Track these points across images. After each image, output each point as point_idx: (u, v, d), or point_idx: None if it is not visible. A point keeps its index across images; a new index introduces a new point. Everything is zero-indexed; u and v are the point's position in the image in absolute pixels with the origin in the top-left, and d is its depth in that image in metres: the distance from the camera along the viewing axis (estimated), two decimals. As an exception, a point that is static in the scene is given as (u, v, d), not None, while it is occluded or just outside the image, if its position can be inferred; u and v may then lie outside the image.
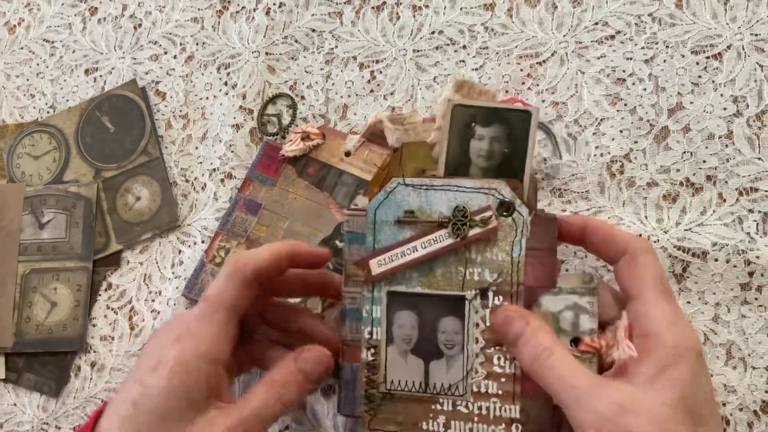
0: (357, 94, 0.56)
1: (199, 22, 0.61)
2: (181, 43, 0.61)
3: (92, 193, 0.58)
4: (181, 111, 0.59)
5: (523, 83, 0.53)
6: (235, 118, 0.58)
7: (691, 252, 0.47)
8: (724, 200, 0.48)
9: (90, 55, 0.63)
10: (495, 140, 0.42)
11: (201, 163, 0.57)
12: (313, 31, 0.58)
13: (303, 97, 0.57)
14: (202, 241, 0.55)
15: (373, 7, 0.58)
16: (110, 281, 0.57)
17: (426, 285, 0.42)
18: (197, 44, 0.61)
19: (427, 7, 0.56)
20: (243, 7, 0.60)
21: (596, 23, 0.53)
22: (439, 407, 0.42)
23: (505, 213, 0.40)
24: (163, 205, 0.57)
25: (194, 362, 0.37)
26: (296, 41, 0.58)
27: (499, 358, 0.41)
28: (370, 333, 0.42)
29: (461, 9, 0.56)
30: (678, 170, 0.49)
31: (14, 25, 0.66)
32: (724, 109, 0.49)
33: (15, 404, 0.56)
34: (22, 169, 0.60)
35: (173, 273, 0.55)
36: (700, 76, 0.50)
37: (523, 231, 0.41)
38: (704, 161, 0.49)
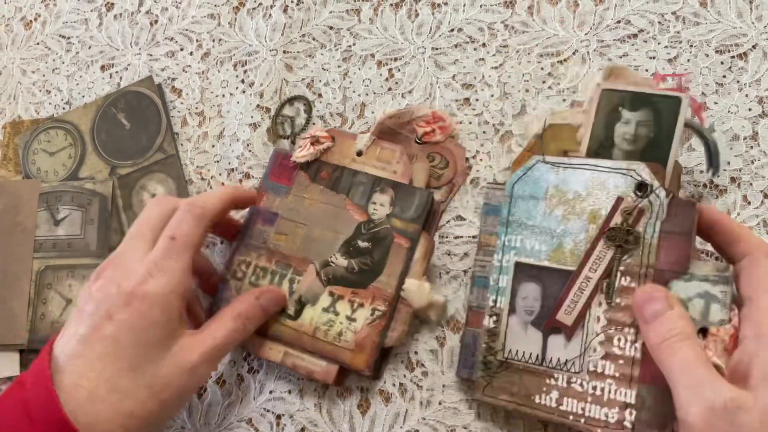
0: (375, 93, 0.55)
1: (216, 18, 0.61)
2: (197, 40, 0.61)
3: (108, 190, 0.58)
4: (197, 108, 0.59)
5: (543, 82, 0.52)
6: (252, 117, 0.57)
7: (714, 256, 0.46)
8: (749, 203, 0.47)
9: (106, 51, 0.63)
10: (641, 124, 0.43)
11: (218, 161, 0.57)
12: (331, 28, 0.58)
13: (320, 95, 0.56)
14: (222, 242, 0.55)
15: (391, 5, 0.57)
16: (125, 279, 0.56)
17: (554, 260, 0.43)
18: (213, 41, 0.60)
19: (446, 4, 0.56)
20: (260, 4, 0.60)
21: (618, 21, 0.52)
22: (553, 382, 0.42)
23: (642, 194, 0.41)
24: (178, 202, 0.56)
25: (169, 295, 0.41)
26: (314, 39, 0.58)
27: (619, 339, 0.41)
28: (494, 301, 0.44)
29: (481, 6, 0.55)
30: (701, 172, 0.48)
31: (30, 21, 0.66)
32: (749, 109, 0.48)
33: (29, 401, 0.56)
34: (37, 165, 0.60)
35: (189, 271, 0.55)
36: (724, 76, 0.49)
37: (659, 213, 0.41)
38: (728, 163, 0.48)
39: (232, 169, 0.57)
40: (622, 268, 0.42)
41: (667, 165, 0.42)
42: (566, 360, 0.42)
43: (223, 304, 0.49)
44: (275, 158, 0.52)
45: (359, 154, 0.51)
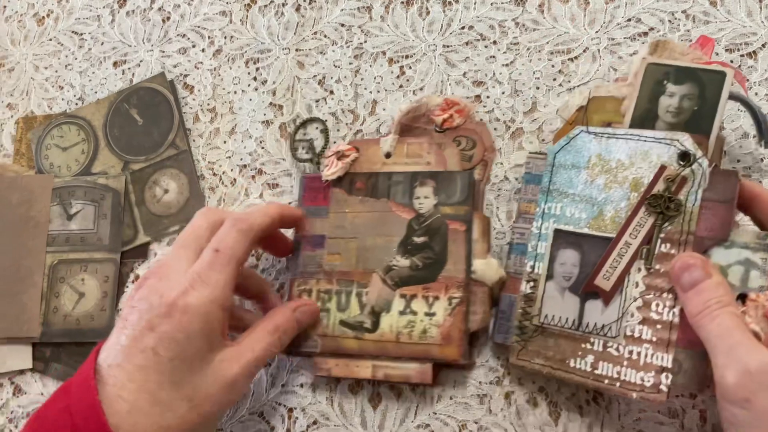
0: (386, 90, 0.56)
1: (228, 15, 0.61)
2: (209, 37, 0.61)
3: (120, 185, 0.58)
4: (208, 105, 0.59)
5: (554, 79, 0.53)
6: (265, 114, 0.58)
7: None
8: (759, 200, 0.47)
9: (118, 47, 0.63)
10: (685, 98, 0.44)
11: (230, 157, 0.57)
12: (342, 25, 0.58)
13: (332, 92, 0.57)
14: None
15: (402, 2, 0.57)
16: (138, 273, 0.57)
17: (594, 227, 0.44)
18: (225, 38, 0.61)
19: (457, 2, 0.56)
20: (271, 1, 0.60)
21: (629, 20, 0.52)
22: (589, 346, 0.43)
23: (685, 163, 0.42)
24: (190, 198, 0.57)
25: (210, 307, 0.40)
26: (325, 36, 0.58)
27: (657, 305, 0.42)
28: (532, 267, 0.45)
29: (492, 4, 0.55)
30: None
31: (43, 17, 0.66)
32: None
33: (42, 394, 0.56)
34: (50, 161, 0.61)
35: (201, 266, 0.55)
36: (734, 75, 0.50)
37: (701, 182, 0.42)
38: (738, 160, 0.48)
39: (244, 166, 0.57)
40: (662, 235, 0.42)
41: (710, 137, 0.43)
42: (603, 325, 0.43)
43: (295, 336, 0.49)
44: (304, 183, 0.52)
45: (388, 156, 0.51)
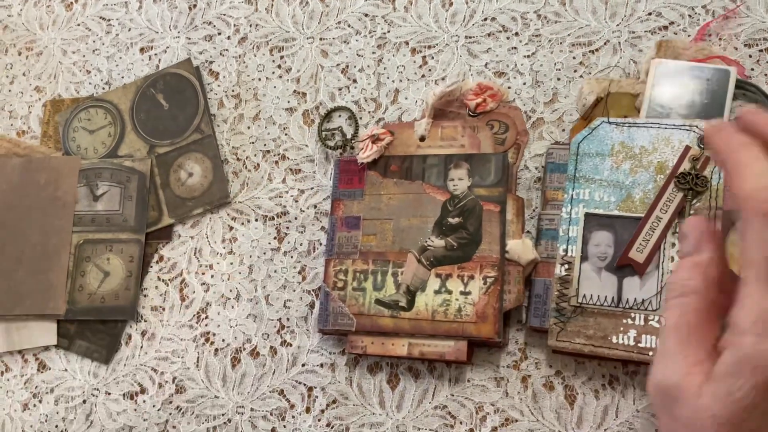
0: (408, 79, 0.57)
1: (253, 3, 0.62)
2: (234, 25, 0.62)
3: (146, 168, 0.59)
4: (233, 91, 0.61)
5: (575, 71, 0.53)
6: (289, 102, 0.59)
7: None
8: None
9: (145, 33, 0.64)
10: (696, 93, 0.48)
11: (253, 143, 0.59)
12: (366, 15, 0.59)
13: (355, 81, 0.58)
14: (256, 219, 0.57)
15: (426, -7, 0.58)
16: (162, 254, 0.58)
17: (624, 209, 0.47)
18: (250, 26, 0.62)
19: (480, -6, 0.57)
20: (296, -9, 0.61)
21: (650, 14, 0.53)
22: (630, 322, 0.45)
23: (705, 146, 0.45)
24: (214, 181, 0.58)
25: None
26: (349, 25, 0.59)
27: None
28: (565, 250, 0.47)
29: (514, -3, 0.56)
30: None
31: (71, 2, 0.68)
32: (777, 101, 0.49)
33: (66, 369, 0.58)
34: (77, 143, 0.62)
35: (224, 248, 0.57)
36: (752, 69, 0.51)
37: None
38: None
39: (268, 151, 0.58)
40: (692, 211, 0.45)
41: None
42: (643, 300, 0.45)
43: (329, 313, 0.50)
44: (339, 166, 0.54)
45: (422, 139, 0.53)
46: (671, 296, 0.33)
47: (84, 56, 0.66)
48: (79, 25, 0.67)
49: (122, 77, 0.64)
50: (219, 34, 0.63)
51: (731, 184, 0.31)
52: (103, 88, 0.64)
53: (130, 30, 0.65)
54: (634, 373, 0.47)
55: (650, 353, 0.44)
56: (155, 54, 0.64)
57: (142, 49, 0.64)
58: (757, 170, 0.30)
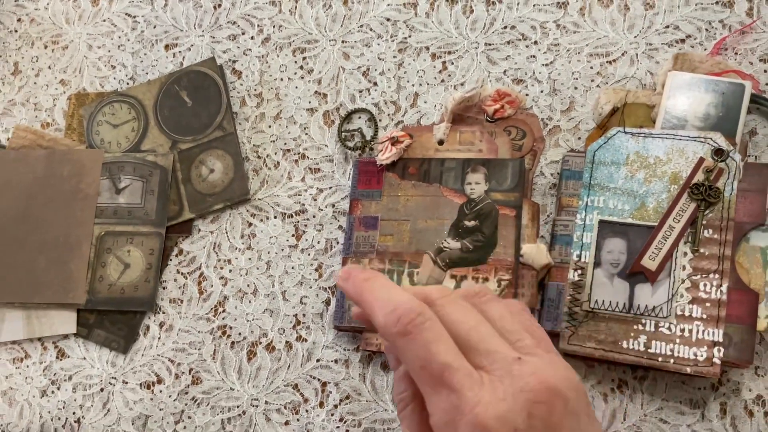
0: (428, 84, 0.58)
1: (277, 5, 0.64)
2: (258, 25, 0.63)
3: (168, 163, 0.61)
4: (255, 90, 0.62)
5: (592, 80, 0.55)
6: (310, 102, 0.60)
7: None
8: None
9: (170, 31, 0.66)
10: (711, 105, 0.49)
11: (274, 141, 0.60)
12: (388, 20, 0.60)
13: (375, 84, 0.59)
14: (275, 217, 0.58)
15: (447, 0, 0.60)
16: (181, 247, 0.59)
17: (637, 217, 0.48)
18: (274, 27, 0.63)
19: (500, 1, 0.58)
20: (319, -6, 0.63)
21: (667, 26, 0.54)
22: (641, 327, 0.46)
23: (719, 158, 0.47)
24: (235, 178, 0.59)
25: None
26: (371, 29, 0.60)
27: (705, 285, 0.46)
28: (579, 256, 0.48)
29: (534, 5, 0.57)
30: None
31: (98, -1, 0.69)
32: (791, 116, 0.50)
33: (84, 358, 0.59)
34: (101, 137, 0.63)
35: (243, 244, 0.58)
36: (767, 84, 0.52)
37: (736, 174, 0.46)
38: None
39: (288, 150, 0.59)
40: (704, 221, 0.46)
41: (736, 137, 0.48)
42: (654, 306, 0.46)
43: (345, 310, 0.52)
44: (358, 167, 0.55)
45: (440, 143, 0.54)
46: (399, 412, 0.34)
47: (109, 51, 0.67)
48: (105, 20, 0.68)
49: (146, 73, 0.65)
50: (243, 33, 0.64)
51: (373, 322, 0.33)
52: (128, 84, 0.65)
53: (155, 27, 0.66)
54: (643, 378, 0.48)
55: (660, 359, 0.45)
56: (179, 51, 0.65)
57: (166, 47, 0.65)
58: (382, 300, 0.32)
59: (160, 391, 0.56)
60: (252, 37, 0.63)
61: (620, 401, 0.48)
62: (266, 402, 0.54)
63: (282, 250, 0.57)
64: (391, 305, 0.31)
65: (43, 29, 0.69)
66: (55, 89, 0.67)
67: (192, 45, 0.65)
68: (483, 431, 0.27)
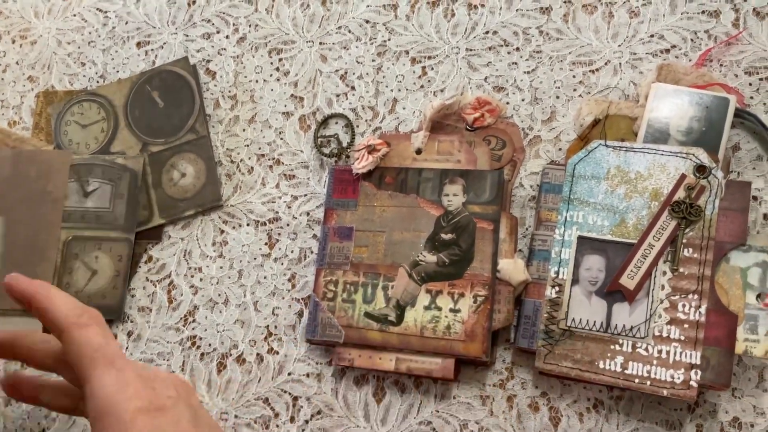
0: (407, 89, 0.56)
1: (253, 3, 0.62)
2: (233, 24, 0.62)
3: (138, 166, 0.59)
4: (230, 92, 0.60)
5: (574, 90, 0.53)
6: (285, 105, 0.58)
7: None
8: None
9: (143, 28, 0.64)
10: (694, 119, 0.48)
11: (248, 146, 0.58)
12: (367, 22, 0.59)
13: (353, 88, 0.57)
14: (247, 224, 0.56)
15: (428, 2, 0.58)
16: (151, 254, 0.58)
17: (617, 234, 0.47)
18: (250, 26, 0.61)
19: (483, 6, 0.57)
20: (297, -8, 0.61)
21: (652, 36, 0.53)
22: (618, 348, 0.45)
23: (701, 175, 0.46)
24: (207, 183, 0.58)
25: None
26: (349, 31, 0.59)
27: (683, 305, 0.45)
28: (557, 273, 0.47)
29: (517, 11, 0.56)
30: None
31: (68, -7, 0.67)
32: (775, 132, 0.49)
33: (50, 367, 0.57)
34: (69, 137, 0.61)
35: (214, 251, 0.56)
36: (752, 97, 0.51)
37: (717, 192, 0.45)
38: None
39: (262, 155, 0.58)
40: (684, 240, 0.45)
41: (718, 152, 0.47)
42: (631, 326, 0.45)
43: (318, 324, 0.50)
44: (333, 175, 0.53)
45: (418, 152, 0.52)
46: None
47: (79, 47, 0.65)
48: (75, 15, 0.66)
49: (117, 71, 0.63)
50: (218, 32, 0.62)
51: (46, 316, 0.40)
52: (98, 82, 0.63)
53: (127, 23, 0.64)
54: (619, 398, 0.47)
55: (636, 380, 0.44)
56: (152, 50, 0.63)
57: (138, 44, 0.63)
58: (62, 299, 0.40)
59: (128, 403, 0.55)
60: (227, 36, 0.61)
61: (596, 421, 0.47)
62: (236, 416, 0.52)
63: (254, 258, 0.56)
64: (72, 303, 0.40)
65: (11, 23, 0.67)
66: (23, 86, 0.65)
67: (165, 43, 0.63)
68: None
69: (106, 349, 0.37)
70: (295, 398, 0.52)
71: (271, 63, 0.60)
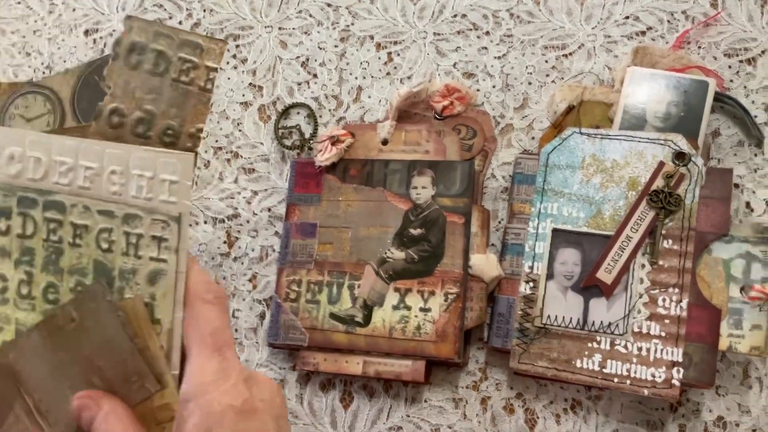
0: (372, 76, 0.53)
1: (209, -13, 0.58)
2: (187, 9, 0.58)
3: (87, 162, 0.55)
4: (185, 81, 0.56)
5: (547, 75, 0.51)
6: (243, 95, 0.55)
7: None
8: (752, 210, 0.46)
9: (91, 15, 0.60)
10: (672, 104, 0.45)
11: (204, 138, 0.55)
12: (329, 5, 0.55)
13: (315, 75, 0.54)
14: (205, 222, 0.53)
15: (393, -15, 0.55)
16: (102, 255, 0.54)
17: (593, 226, 0.44)
18: (205, 11, 0.58)
19: (450, -12, 0.54)
20: (255, -25, 0.57)
21: (627, 17, 0.51)
22: (595, 345, 0.43)
23: (680, 162, 0.43)
24: (161, 179, 0.54)
25: None
26: (310, 15, 0.56)
27: (663, 300, 0.42)
28: (531, 267, 0.44)
29: (486, -7, 0.53)
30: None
31: (11, -22, 0.62)
32: (755, 116, 0.47)
33: None
34: (13, 132, 0.57)
35: (170, 251, 0.53)
36: (732, 81, 0.48)
37: (698, 180, 0.43)
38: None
39: (220, 148, 0.54)
40: (663, 231, 0.43)
41: (698, 138, 0.44)
42: (609, 323, 0.43)
43: (280, 326, 0.47)
44: (295, 168, 0.50)
45: (384, 142, 0.49)
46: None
47: (24, 37, 0.61)
48: (19, 2, 0.62)
49: (64, 61, 0.59)
50: (170, 18, 0.58)
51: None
52: (44, 72, 0.59)
53: (74, 10, 0.60)
54: (597, 398, 0.45)
55: (615, 380, 0.42)
56: (100, 37, 0.59)
57: (86, 32, 0.60)
58: (195, 269, 0.35)
59: (79, 414, 0.52)
60: (180, 22, 0.58)
61: (573, 423, 0.45)
62: (195, 426, 0.49)
63: (213, 258, 0.52)
64: (204, 277, 0.35)
65: (-50, 11, 0.63)
66: (-37, 78, 0.61)
67: (114, 30, 0.59)
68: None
69: (218, 335, 0.34)
70: (258, 406, 0.49)
71: (228, 50, 0.56)
